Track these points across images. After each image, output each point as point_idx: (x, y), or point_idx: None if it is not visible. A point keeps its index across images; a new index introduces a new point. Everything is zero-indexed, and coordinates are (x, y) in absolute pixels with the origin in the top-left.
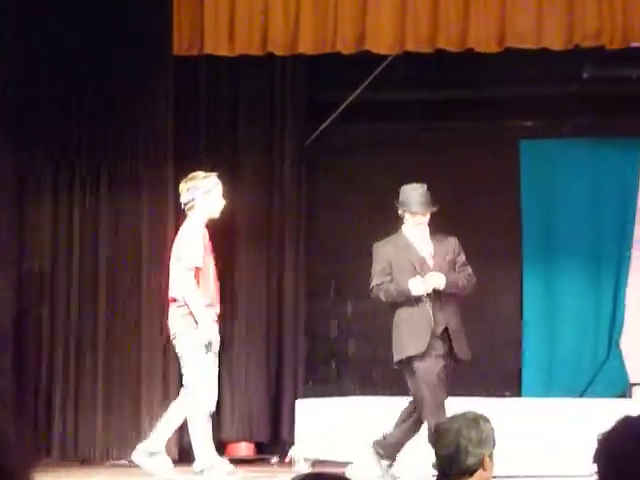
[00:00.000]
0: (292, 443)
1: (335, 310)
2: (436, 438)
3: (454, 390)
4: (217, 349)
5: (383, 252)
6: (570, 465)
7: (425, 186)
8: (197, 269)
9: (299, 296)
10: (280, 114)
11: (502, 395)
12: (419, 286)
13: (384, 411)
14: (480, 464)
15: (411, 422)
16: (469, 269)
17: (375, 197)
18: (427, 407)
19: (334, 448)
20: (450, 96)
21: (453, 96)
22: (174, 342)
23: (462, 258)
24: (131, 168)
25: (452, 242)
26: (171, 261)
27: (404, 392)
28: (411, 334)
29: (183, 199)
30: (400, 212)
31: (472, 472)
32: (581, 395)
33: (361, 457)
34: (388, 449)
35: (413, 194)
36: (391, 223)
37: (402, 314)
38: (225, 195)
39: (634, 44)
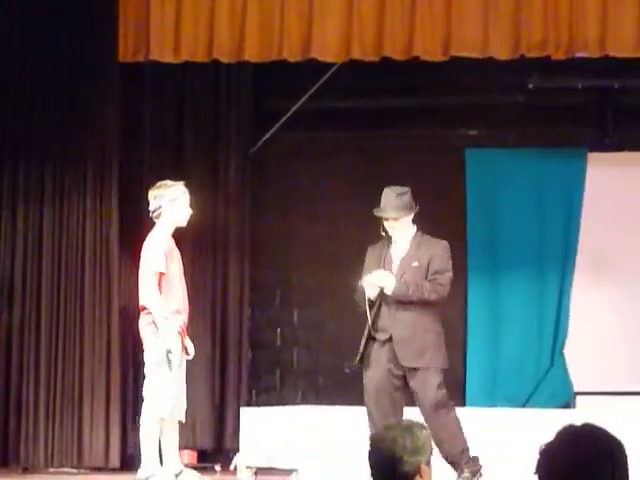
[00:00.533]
0: (236, 451)
1: (280, 319)
2: (370, 448)
3: None
4: (179, 357)
5: (368, 253)
6: (513, 475)
7: (393, 188)
8: (161, 275)
9: (243, 304)
10: (225, 121)
11: None
12: (367, 285)
13: (327, 420)
14: (416, 472)
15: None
16: (442, 278)
17: (320, 205)
18: (368, 417)
19: (277, 456)
20: (396, 104)
21: (399, 104)
22: (144, 349)
23: (437, 266)
24: (77, 174)
25: (434, 248)
26: (139, 270)
27: (348, 401)
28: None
29: (150, 207)
30: None
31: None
32: (524, 405)
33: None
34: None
35: (382, 198)
36: (335, 230)
37: None
38: (192, 204)
39: (579, 54)
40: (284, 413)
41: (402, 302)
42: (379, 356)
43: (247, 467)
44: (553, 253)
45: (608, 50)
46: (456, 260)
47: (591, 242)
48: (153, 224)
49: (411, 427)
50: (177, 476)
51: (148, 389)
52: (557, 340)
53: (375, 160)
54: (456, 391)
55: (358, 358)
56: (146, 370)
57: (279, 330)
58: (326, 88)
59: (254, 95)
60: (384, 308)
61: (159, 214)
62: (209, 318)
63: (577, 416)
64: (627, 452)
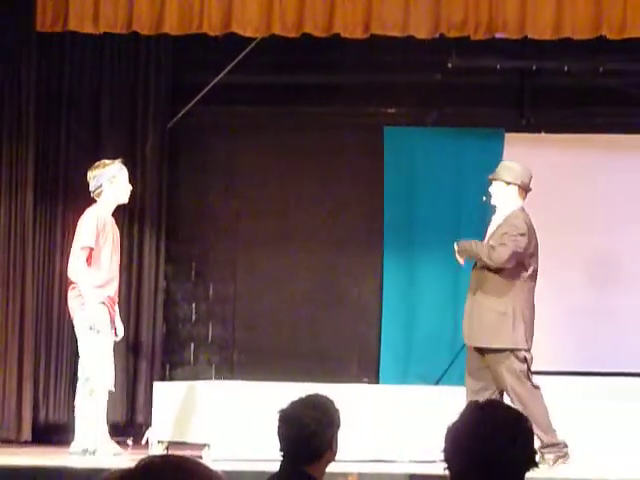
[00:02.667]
0: (148, 425)
1: (195, 293)
2: (281, 423)
3: (312, 377)
4: (106, 327)
5: None
6: (424, 451)
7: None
8: (90, 250)
9: (159, 279)
10: (144, 94)
11: (360, 381)
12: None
13: (240, 395)
14: (327, 446)
15: None
16: (499, 247)
17: (237, 179)
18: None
19: (190, 431)
20: (315, 81)
21: (318, 81)
22: (73, 322)
23: (504, 233)
24: None
25: (509, 220)
26: (73, 243)
27: (262, 377)
28: None
29: (91, 187)
30: None
31: (320, 454)
32: (437, 383)
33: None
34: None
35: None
36: (252, 205)
37: None
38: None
39: (498, 35)
40: (197, 388)
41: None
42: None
43: (159, 441)
44: (469, 232)
45: (527, 32)
46: (373, 238)
47: None
48: (65, 194)
49: (321, 401)
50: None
51: (82, 363)
52: None
53: (293, 136)
54: (370, 368)
55: None
56: (78, 344)
57: (194, 304)
58: (246, 63)
59: (173, 68)
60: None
61: (99, 192)
62: (124, 291)
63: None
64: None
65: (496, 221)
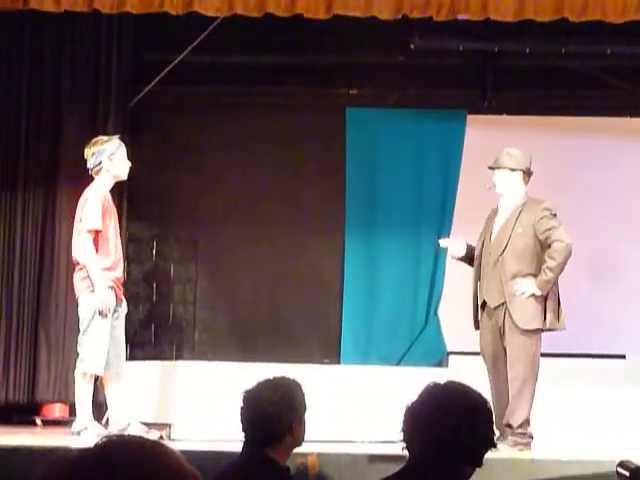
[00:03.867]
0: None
1: (156, 273)
2: (244, 404)
3: (273, 357)
4: (110, 313)
5: None
6: (384, 431)
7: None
8: (97, 232)
9: None
10: (105, 74)
11: (321, 362)
12: None
13: (202, 376)
14: (288, 430)
15: None
16: (554, 239)
17: (199, 160)
18: None
19: (151, 411)
20: (278, 61)
21: (281, 61)
22: (78, 304)
23: (548, 229)
24: None
25: (533, 208)
26: (74, 224)
27: (223, 357)
28: None
29: (89, 164)
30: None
31: (280, 438)
32: (398, 363)
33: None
34: None
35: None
36: (213, 184)
37: None
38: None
39: (461, 16)
40: (158, 368)
41: None
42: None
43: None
44: (430, 213)
45: (489, 13)
46: (334, 218)
47: (468, 203)
48: (26, 175)
49: (285, 384)
50: (124, 430)
51: (82, 344)
52: (432, 300)
53: (255, 116)
54: (331, 348)
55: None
56: (80, 325)
57: (155, 284)
58: (208, 42)
59: (135, 47)
60: None
61: (99, 170)
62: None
63: (449, 375)
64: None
65: (505, 210)
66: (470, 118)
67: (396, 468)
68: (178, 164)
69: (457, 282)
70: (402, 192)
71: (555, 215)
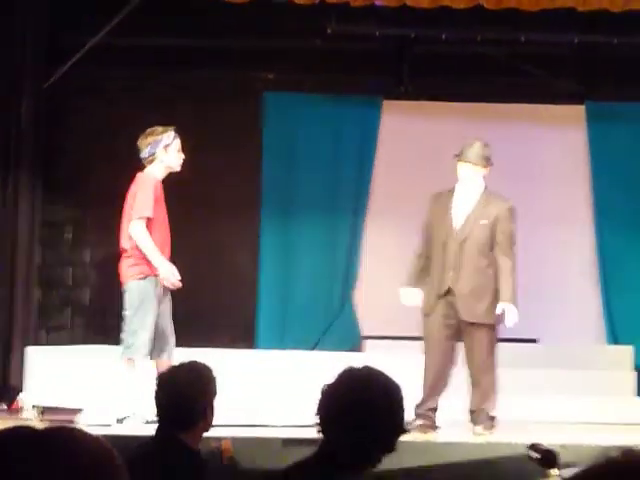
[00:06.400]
0: (21, 390)
1: (71, 257)
2: (158, 388)
3: (189, 341)
4: (158, 298)
5: None
6: (298, 415)
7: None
8: (148, 220)
9: (34, 242)
10: (21, 55)
11: (236, 346)
12: None
13: (116, 361)
14: (202, 415)
15: None
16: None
17: (115, 143)
18: None
19: (64, 395)
20: (195, 44)
21: (198, 44)
22: (124, 291)
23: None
24: None
25: (492, 209)
26: (125, 211)
27: None
28: None
29: (143, 154)
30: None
31: (194, 423)
32: (313, 348)
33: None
34: None
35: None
36: (128, 168)
37: None
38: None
39: (378, 2)
40: (73, 352)
41: None
42: None
43: (33, 406)
44: (346, 198)
45: None
46: (250, 202)
47: (383, 188)
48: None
49: (198, 369)
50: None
51: (127, 331)
52: (347, 284)
53: (172, 100)
54: (246, 333)
55: None
56: (126, 312)
57: (71, 269)
58: (125, 24)
59: (50, 29)
60: None
61: (152, 159)
62: None
63: (364, 359)
64: (405, 393)
65: (464, 198)
66: (386, 104)
67: (310, 452)
68: (94, 147)
69: (372, 267)
70: (318, 177)
71: (515, 219)
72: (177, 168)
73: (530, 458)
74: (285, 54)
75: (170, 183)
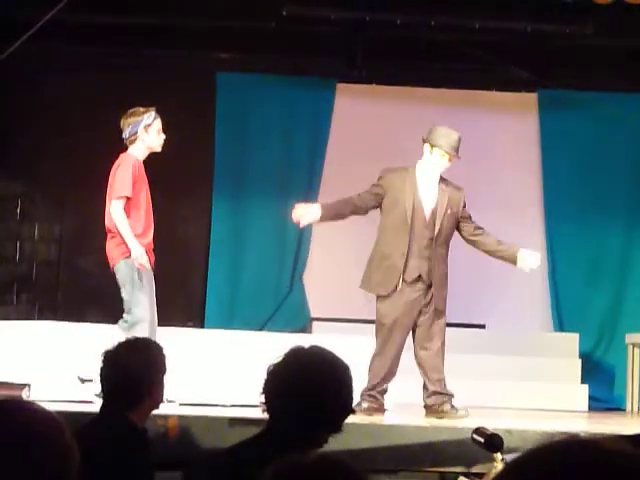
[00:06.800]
0: None
1: (20, 232)
2: (103, 365)
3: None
4: (146, 276)
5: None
6: (246, 395)
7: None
8: (128, 199)
9: None
10: None
11: (185, 325)
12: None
13: (62, 336)
14: (147, 392)
15: None
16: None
17: (67, 119)
18: None
19: (11, 370)
20: (149, 22)
21: (151, 22)
22: (115, 272)
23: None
24: None
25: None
26: (108, 192)
27: (86, 319)
28: None
29: (125, 134)
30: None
31: (139, 400)
32: (262, 328)
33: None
34: None
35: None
36: (82, 144)
37: None
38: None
39: None
40: (18, 327)
41: None
42: None
43: None
44: (298, 180)
45: None
46: (202, 184)
47: (335, 170)
48: None
49: (147, 347)
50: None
51: (129, 310)
52: (297, 266)
53: (124, 77)
54: (196, 312)
55: None
56: (122, 292)
57: (18, 244)
58: (78, 1)
59: (3, 4)
60: None
61: (134, 140)
62: None
63: (312, 341)
64: (353, 374)
65: (425, 182)
66: (340, 86)
67: (256, 431)
68: (46, 123)
69: (322, 249)
70: (271, 159)
71: None
72: (158, 148)
73: (475, 442)
74: (240, 35)
75: None
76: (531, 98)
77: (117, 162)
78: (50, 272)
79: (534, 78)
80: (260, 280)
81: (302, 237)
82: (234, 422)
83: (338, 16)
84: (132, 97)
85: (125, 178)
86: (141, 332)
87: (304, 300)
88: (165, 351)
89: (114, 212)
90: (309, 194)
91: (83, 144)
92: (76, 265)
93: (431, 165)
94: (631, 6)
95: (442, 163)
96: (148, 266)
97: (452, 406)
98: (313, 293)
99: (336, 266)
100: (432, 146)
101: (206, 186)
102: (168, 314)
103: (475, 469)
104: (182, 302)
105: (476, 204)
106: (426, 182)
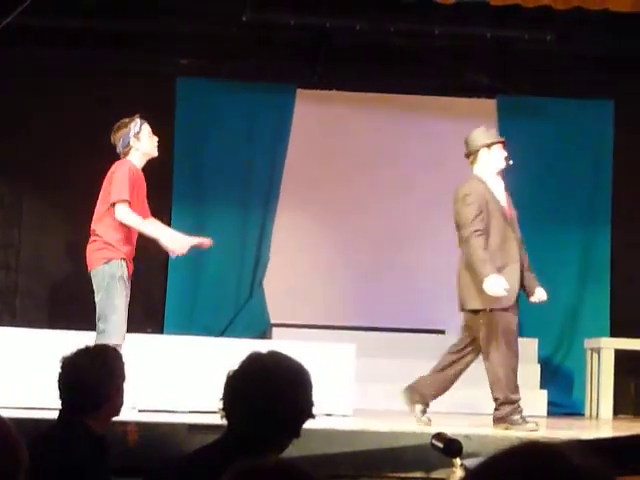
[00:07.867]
0: None
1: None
2: (61, 371)
3: (95, 325)
4: (124, 282)
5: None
6: (205, 401)
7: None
8: (127, 203)
9: None
10: None
11: (144, 331)
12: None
13: (21, 342)
14: (106, 399)
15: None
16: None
17: (27, 123)
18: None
19: None
20: (109, 27)
21: (112, 27)
22: (92, 276)
23: None
24: None
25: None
26: (101, 195)
27: (45, 325)
28: None
29: (119, 149)
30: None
31: (98, 407)
32: (222, 334)
33: None
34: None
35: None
36: (49, 149)
37: None
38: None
39: None
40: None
41: None
42: None
43: None
44: (258, 186)
45: None
46: (162, 188)
47: (295, 175)
48: None
49: (105, 353)
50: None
51: (103, 317)
52: (257, 272)
53: (86, 82)
54: (154, 318)
55: None
56: (96, 297)
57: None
58: (39, 4)
59: None
60: None
61: (128, 150)
62: None
63: (272, 346)
64: (313, 380)
65: (498, 189)
66: (300, 92)
67: (216, 437)
68: (6, 126)
69: (282, 255)
70: (231, 163)
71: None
72: (154, 152)
73: (434, 447)
74: (200, 40)
75: (82, 166)
76: (490, 104)
77: (112, 168)
78: (8, 277)
79: (493, 84)
80: (220, 286)
81: (262, 243)
82: (194, 428)
83: (299, 22)
84: (92, 101)
85: (122, 182)
86: (115, 340)
87: (264, 306)
88: (124, 357)
89: (122, 216)
90: (269, 199)
91: (42, 149)
92: (34, 270)
93: (493, 164)
94: (590, 12)
95: (503, 154)
96: (183, 250)
97: None
98: (273, 299)
99: (296, 272)
100: (488, 147)
101: (166, 191)
102: (128, 320)
103: (435, 474)
104: (141, 308)
105: (437, 210)
106: (498, 184)
